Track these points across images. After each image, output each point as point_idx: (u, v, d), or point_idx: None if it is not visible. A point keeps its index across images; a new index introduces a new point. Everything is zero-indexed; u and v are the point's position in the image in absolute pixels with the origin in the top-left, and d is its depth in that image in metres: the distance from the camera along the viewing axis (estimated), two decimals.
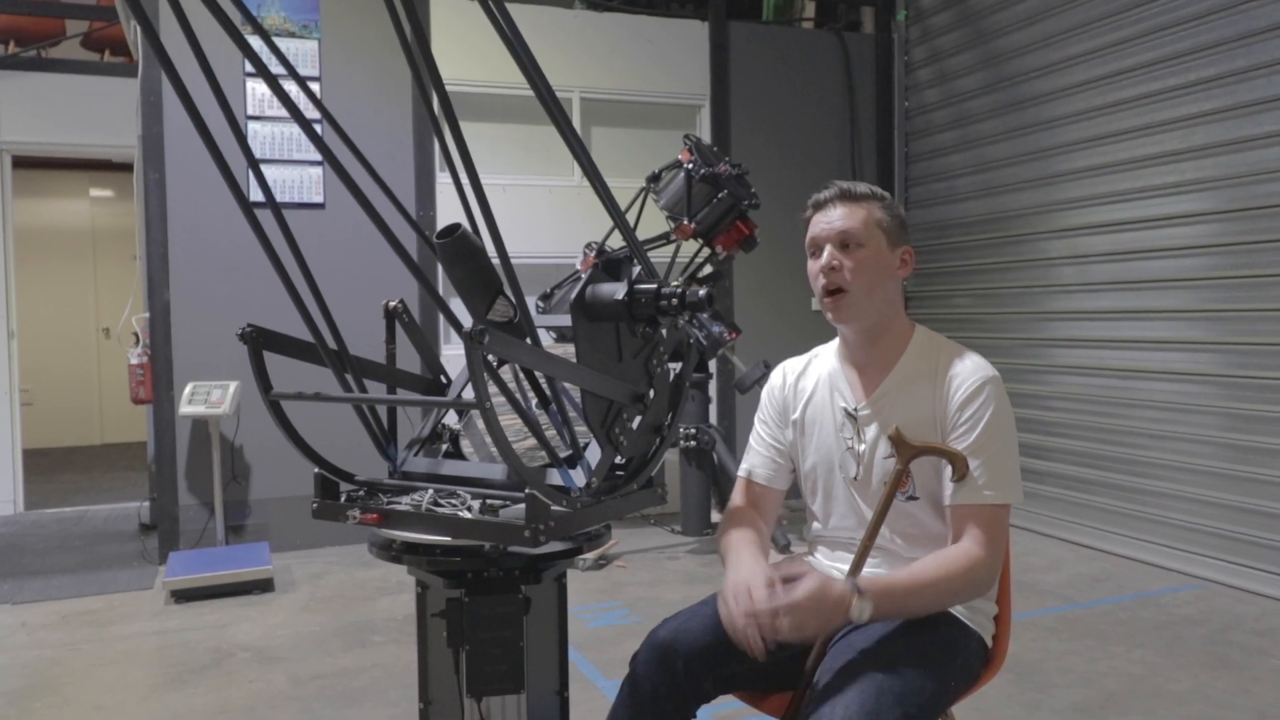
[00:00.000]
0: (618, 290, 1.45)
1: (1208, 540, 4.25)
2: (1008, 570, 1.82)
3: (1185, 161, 4.34)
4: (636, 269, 1.53)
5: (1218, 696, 2.98)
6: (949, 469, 1.64)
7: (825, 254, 1.73)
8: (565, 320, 1.51)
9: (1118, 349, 4.71)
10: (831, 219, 1.75)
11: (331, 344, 1.56)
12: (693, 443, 4.91)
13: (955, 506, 1.64)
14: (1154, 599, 3.98)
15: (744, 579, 1.56)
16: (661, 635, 1.69)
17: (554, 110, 1.41)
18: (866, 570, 1.73)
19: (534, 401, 1.58)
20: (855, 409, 1.77)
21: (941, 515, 1.69)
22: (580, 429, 1.52)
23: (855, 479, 1.77)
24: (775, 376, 1.95)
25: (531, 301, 4.10)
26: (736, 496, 1.92)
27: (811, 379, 1.88)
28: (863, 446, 1.76)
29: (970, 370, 1.69)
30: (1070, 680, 3.12)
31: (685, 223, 4.02)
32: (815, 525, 1.89)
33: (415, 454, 1.70)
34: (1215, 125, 4.20)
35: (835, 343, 1.89)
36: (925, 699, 1.51)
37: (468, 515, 1.44)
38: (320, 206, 4.99)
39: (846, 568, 1.73)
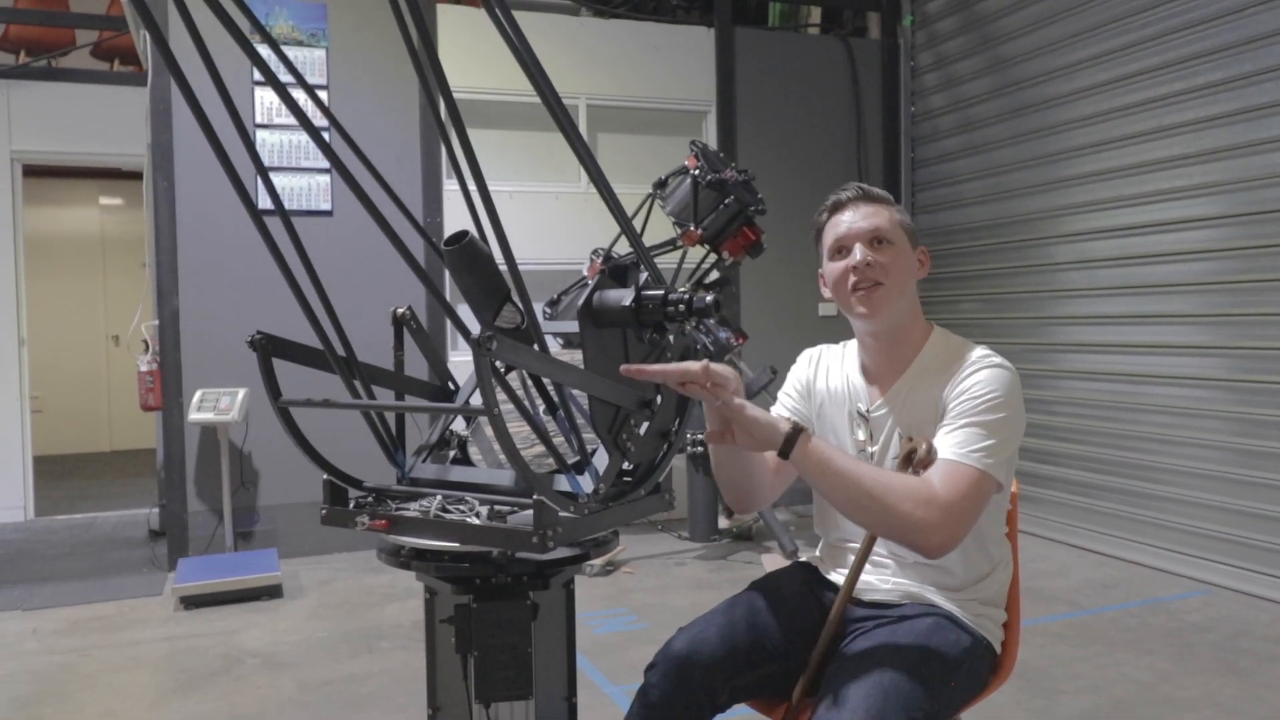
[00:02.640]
0: (625, 296, 1.46)
1: (1217, 546, 4.23)
2: (1016, 576, 1.81)
3: (1193, 166, 4.33)
4: (643, 275, 1.54)
5: (1228, 703, 2.96)
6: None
7: (858, 251, 1.70)
8: (572, 326, 1.51)
9: (1125, 354, 4.70)
10: (858, 217, 1.73)
11: (340, 351, 1.57)
12: (700, 449, 4.89)
13: (940, 460, 1.56)
14: (1163, 605, 3.96)
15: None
16: (677, 647, 1.68)
17: (560, 117, 1.41)
18: (876, 579, 1.73)
19: (541, 408, 1.59)
20: (868, 410, 1.77)
21: None
22: (588, 435, 1.52)
23: None
24: (801, 361, 1.93)
25: (539, 308, 4.11)
26: None
27: (834, 375, 1.86)
28: (874, 448, 1.75)
29: (981, 356, 1.68)
30: (1079, 687, 3.11)
31: (692, 229, 4.03)
32: (826, 529, 1.89)
33: (423, 460, 1.71)
34: (1223, 129, 4.19)
35: (854, 345, 1.87)
36: (933, 704, 1.50)
37: (476, 521, 1.45)
38: (328, 214, 5.00)
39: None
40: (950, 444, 1.57)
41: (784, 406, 1.91)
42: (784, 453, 1.49)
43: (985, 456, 1.55)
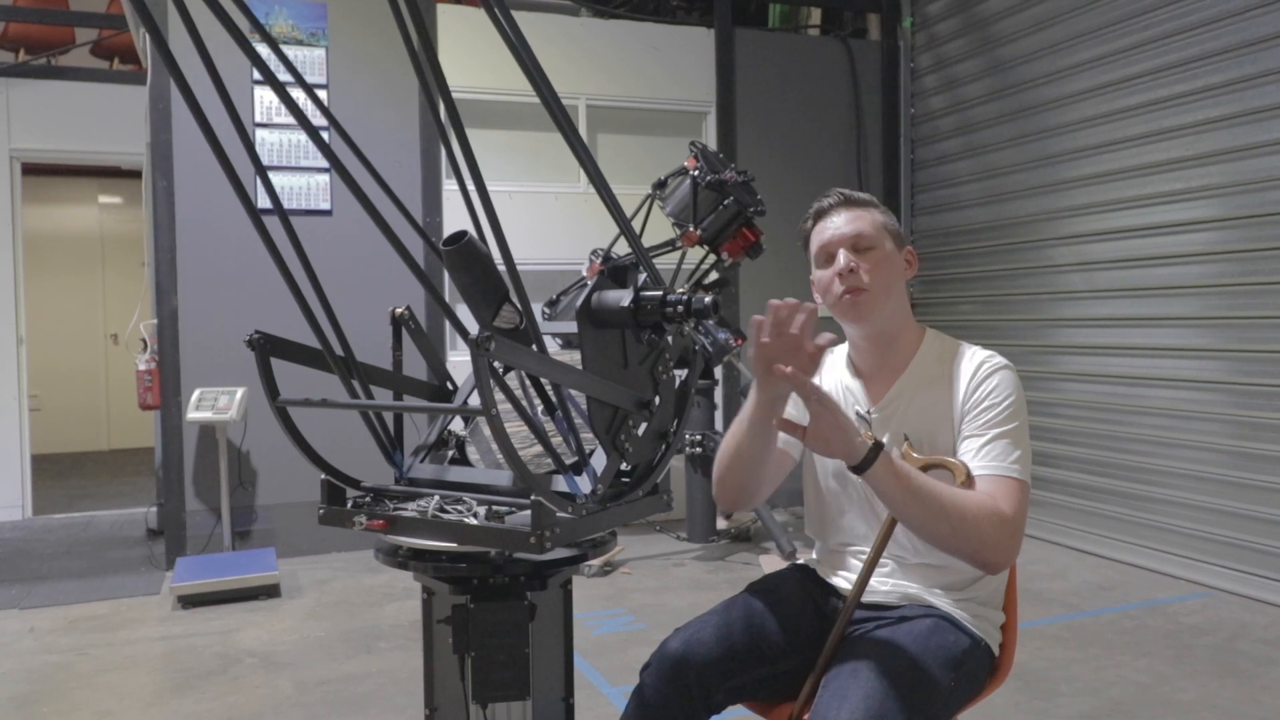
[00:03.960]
0: (623, 297, 1.46)
1: (1215, 548, 4.23)
2: (1014, 578, 1.81)
3: (1192, 168, 4.34)
4: (642, 276, 1.54)
5: (1225, 705, 2.97)
6: (964, 460, 1.64)
7: (841, 258, 1.72)
8: (571, 327, 1.51)
9: (1124, 356, 4.70)
10: (840, 224, 1.76)
11: (338, 350, 1.56)
12: (698, 449, 4.91)
13: (981, 477, 1.60)
14: (1161, 607, 3.96)
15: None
16: (672, 647, 1.68)
17: (560, 117, 1.41)
18: (875, 580, 1.73)
19: (540, 408, 1.58)
20: (868, 412, 1.77)
21: None
22: (586, 435, 1.52)
23: None
24: None
25: (537, 308, 4.10)
26: None
27: (828, 380, 1.87)
28: None
29: (984, 358, 1.71)
30: (1076, 689, 3.11)
31: (691, 229, 4.03)
32: (824, 532, 1.89)
33: (421, 460, 1.70)
34: (1222, 132, 4.20)
35: (843, 349, 1.88)
36: (931, 706, 1.50)
37: (473, 521, 1.44)
38: (327, 213, 5.00)
39: (854, 578, 1.73)
40: (989, 457, 1.61)
41: None
42: (862, 467, 1.47)
43: (1018, 464, 1.61)
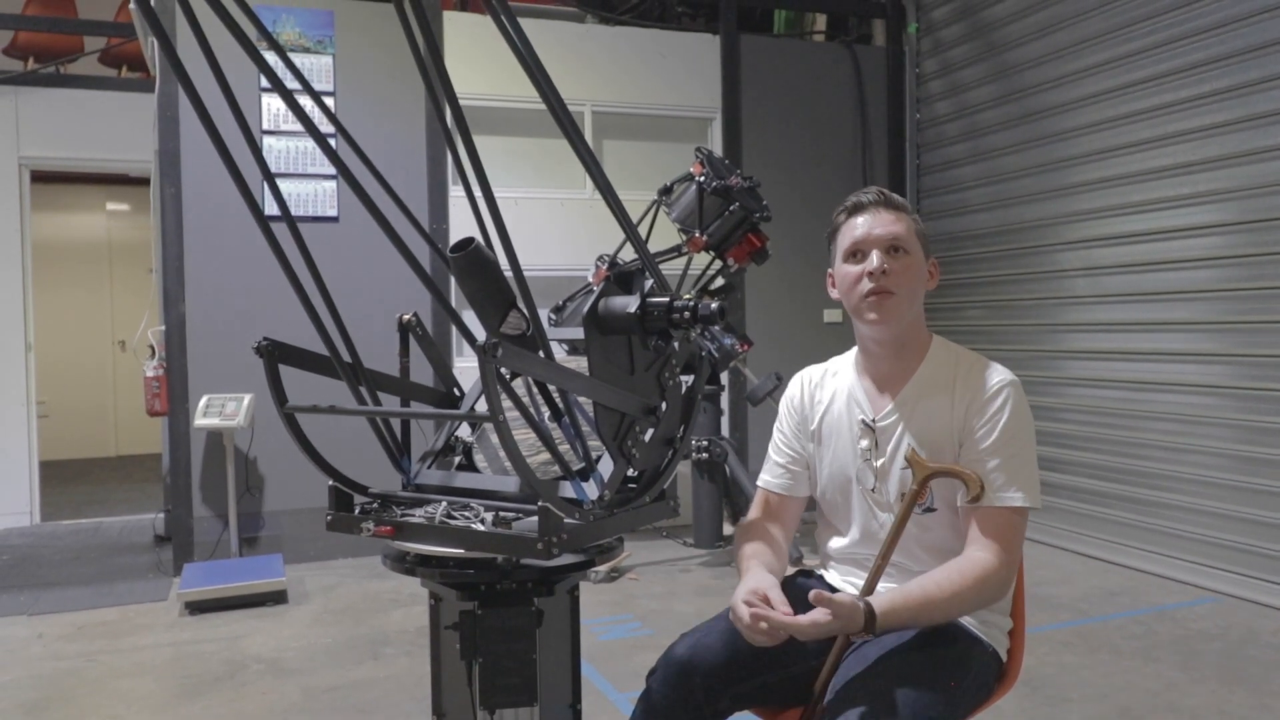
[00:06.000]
0: (630, 303, 1.46)
1: (1224, 554, 4.21)
2: (1021, 584, 1.81)
3: (1198, 173, 4.33)
4: (648, 282, 1.54)
5: (1234, 711, 2.95)
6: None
7: (875, 258, 1.70)
8: (578, 333, 1.52)
9: (1131, 361, 4.69)
10: (877, 224, 1.72)
11: (346, 357, 1.57)
12: (705, 455, 4.91)
13: (973, 509, 1.62)
14: (1169, 613, 3.95)
15: (754, 586, 1.60)
16: (678, 652, 1.68)
17: (566, 124, 1.42)
18: (881, 586, 1.72)
19: (546, 414, 1.59)
20: (873, 420, 1.77)
21: (960, 527, 1.67)
22: (593, 442, 1.52)
23: (872, 490, 1.76)
24: (793, 386, 1.93)
25: (544, 314, 4.12)
26: (753, 509, 1.92)
27: (829, 390, 1.87)
28: (881, 460, 1.75)
29: (988, 375, 1.70)
30: (1085, 695, 3.10)
31: (697, 235, 4.04)
32: (829, 540, 1.89)
33: (429, 467, 1.71)
34: (1228, 137, 4.19)
35: (853, 354, 1.88)
36: (938, 713, 1.50)
37: (481, 528, 1.45)
38: (334, 220, 5.02)
39: (860, 583, 1.72)
40: (990, 488, 1.61)
41: (779, 446, 1.92)
42: (868, 628, 1.50)
43: (1022, 489, 1.62)
